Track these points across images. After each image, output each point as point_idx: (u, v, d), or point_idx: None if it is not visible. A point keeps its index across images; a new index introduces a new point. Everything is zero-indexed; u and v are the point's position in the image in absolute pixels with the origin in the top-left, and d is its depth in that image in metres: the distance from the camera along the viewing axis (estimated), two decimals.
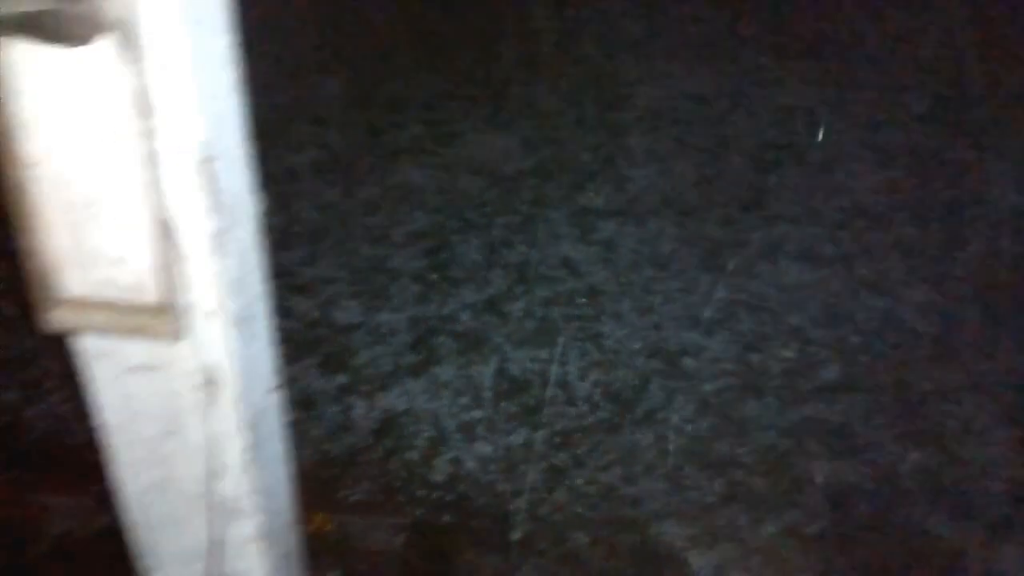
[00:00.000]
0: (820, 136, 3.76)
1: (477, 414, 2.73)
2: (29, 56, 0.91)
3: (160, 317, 1.04)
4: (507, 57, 4.47)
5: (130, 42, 0.88)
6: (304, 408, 2.67)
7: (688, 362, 2.91)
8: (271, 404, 1.26)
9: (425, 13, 4.82)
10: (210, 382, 1.12)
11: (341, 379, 2.78)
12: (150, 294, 1.03)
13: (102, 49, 0.89)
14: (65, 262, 1.02)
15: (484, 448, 2.64)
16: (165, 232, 0.98)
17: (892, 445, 2.61)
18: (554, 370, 2.87)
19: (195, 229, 1.00)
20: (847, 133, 4.06)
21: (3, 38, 0.88)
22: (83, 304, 1.03)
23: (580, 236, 3.42)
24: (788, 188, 3.70)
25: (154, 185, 0.96)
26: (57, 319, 1.04)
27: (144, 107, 0.91)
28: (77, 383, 2.60)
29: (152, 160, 0.94)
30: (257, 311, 1.17)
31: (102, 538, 2.31)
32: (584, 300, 3.12)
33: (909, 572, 2.31)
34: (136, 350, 1.09)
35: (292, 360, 2.82)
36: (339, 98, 4.21)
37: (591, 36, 4.71)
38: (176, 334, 1.05)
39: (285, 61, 4.46)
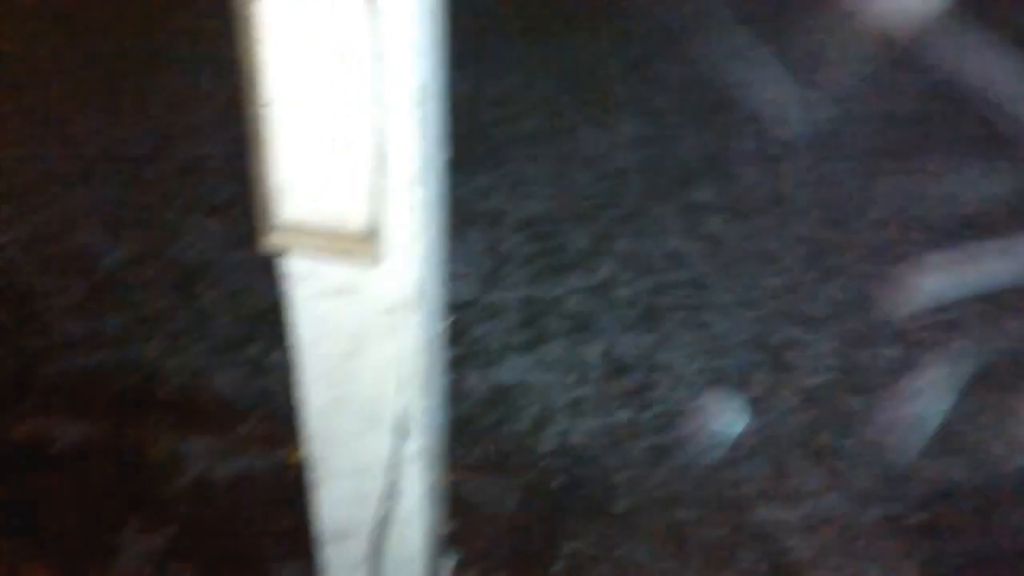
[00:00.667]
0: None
1: (584, 391, 2.84)
2: (275, 4, 1.05)
3: (364, 243, 1.17)
4: (619, 56, 4.58)
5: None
6: None
7: (792, 356, 2.96)
8: (440, 334, 1.39)
9: (539, 12, 4.96)
10: (398, 306, 1.25)
11: (456, 351, 2.92)
12: (357, 221, 1.16)
13: (345, 2, 1.02)
14: (285, 190, 1.16)
15: (590, 423, 2.74)
16: (379, 164, 1.12)
17: (997, 446, 2.63)
18: (659, 354, 2.96)
19: (404, 163, 1.13)
20: (960, 144, 4.05)
21: None
22: (296, 229, 1.17)
23: (686, 230, 3.49)
24: (897, 194, 3.72)
25: (376, 122, 1.09)
26: (273, 241, 1.18)
27: (377, 53, 1.04)
28: (212, 338, 2.77)
29: (377, 100, 1.07)
30: (441, 245, 1.30)
31: (236, 479, 2.48)
32: (690, 291, 3.20)
33: (1010, 569, 2.33)
34: (336, 273, 1.23)
35: None
36: (456, 92, 4.37)
37: (701, 38, 4.78)
38: (376, 259, 1.18)
39: None
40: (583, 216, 3.53)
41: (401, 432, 1.36)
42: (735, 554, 2.42)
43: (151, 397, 2.71)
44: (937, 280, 3.29)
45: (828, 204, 3.65)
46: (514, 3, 5.12)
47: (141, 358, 2.84)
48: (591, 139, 3.97)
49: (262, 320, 3.03)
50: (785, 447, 2.68)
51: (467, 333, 3.00)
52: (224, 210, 3.48)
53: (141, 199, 3.50)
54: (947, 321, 3.09)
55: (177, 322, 2.99)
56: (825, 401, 2.82)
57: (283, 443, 2.57)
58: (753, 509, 2.51)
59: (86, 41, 4.27)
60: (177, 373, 2.80)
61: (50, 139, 3.71)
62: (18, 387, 2.69)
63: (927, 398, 2.81)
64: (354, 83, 1.07)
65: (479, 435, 2.63)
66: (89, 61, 4.17)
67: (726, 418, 2.77)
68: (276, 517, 2.38)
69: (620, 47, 4.65)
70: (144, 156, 3.70)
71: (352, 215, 1.16)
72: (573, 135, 3.99)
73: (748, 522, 2.49)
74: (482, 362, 2.88)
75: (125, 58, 4.20)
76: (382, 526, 1.44)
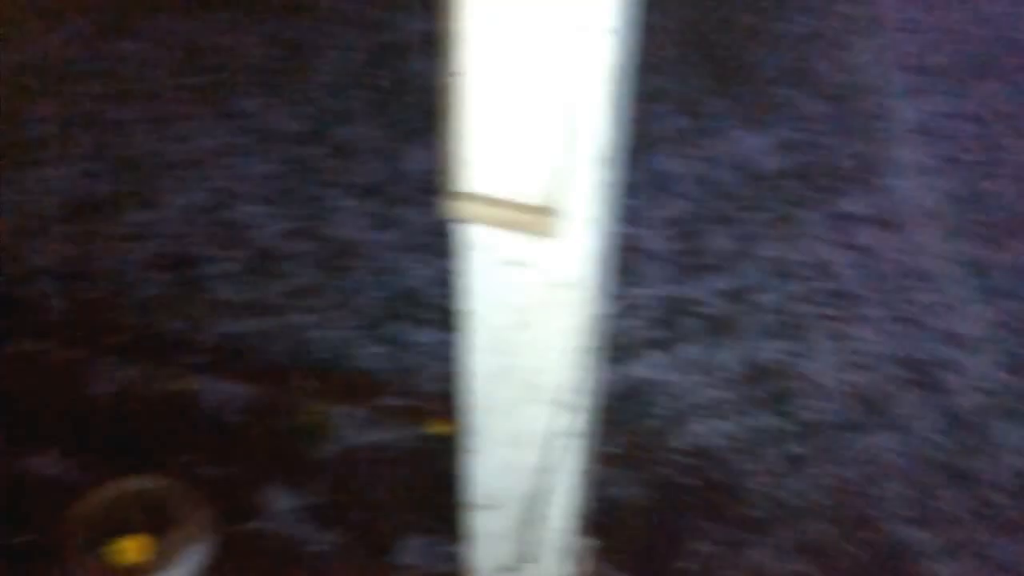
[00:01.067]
0: None
1: (720, 394, 2.81)
2: None
3: (542, 217, 1.20)
4: (773, 59, 4.50)
5: None
6: None
7: (943, 376, 2.86)
8: (602, 315, 1.41)
9: (692, 12, 4.92)
10: (568, 282, 1.28)
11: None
12: (538, 195, 1.20)
13: None
14: (472, 160, 1.20)
15: (725, 426, 2.71)
16: (567, 140, 1.14)
17: None
18: (801, 363, 2.90)
19: (591, 141, 1.16)
20: None
21: None
22: (479, 198, 1.21)
23: (835, 239, 3.41)
24: None
25: (568, 98, 1.12)
26: (456, 209, 1.23)
27: (578, 28, 1.07)
28: (359, 314, 2.86)
29: (573, 76, 1.10)
30: (611, 227, 1.32)
31: (377, 448, 2.57)
32: (836, 302, 3.12)
33: None
34: (512, 245, 1.27)
35: None
36: None
37: (860, 46, 4.64)
38: (553, 234, 1.21)
39: None
40: (728, 218, 3.49)
41: (561, 406, 1.39)
42: (869, 573, 2.36)
43: (301, 365, 2.83)
44: None
45: (987, 221, 3.50)
46: (671, 3, 5.09)
47: (293, 327, 2.97)
48: (740, 141, 3.91)
49: (405, 300, 3.12)
50: (930, 469, 2.59)
51: (605, 327, 3.01)
52: (375, 192, 3.59)
53: (299, 177, 3.65)
54: None
55: (327, 296, 3.11)
56: (975, 425, 2.70)
57: (422, 417, 2.65)
58: (891, 529, 2.44)
59: (261, 26, 4.49)
60: (325, 344, 2.92)
61: (219, 116, 3.92)
62: (177, 349, 2.86)
63: None
64: (551, 58, 1.10)
65: (613, 428, 2.63)
66: (261, 43, 4.38)
67: (867, 433, 2.69)
68: (414, 486, 2.45)
69: (778, 50, 4.57)
70: (303, 136, 3.86)
71: (534, 189, 1.19)
72: (722, 136, 3.94)
73: (885, 541, 2.42)
74: (619, 356, 2.88)
75: (291, 40, 4.39)
76: (535, 498, 1.47)
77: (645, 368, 2.86)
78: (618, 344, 2.92)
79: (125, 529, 1.94)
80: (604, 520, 2.32)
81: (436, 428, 2.55)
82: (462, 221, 1.25)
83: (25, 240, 3.22)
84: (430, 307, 3.10)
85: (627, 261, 3.24)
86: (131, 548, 1.86)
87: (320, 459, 2.52)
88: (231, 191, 3.54)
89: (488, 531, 1.61)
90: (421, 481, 2.47)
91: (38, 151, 3.64)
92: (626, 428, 2.65)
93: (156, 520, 1.98)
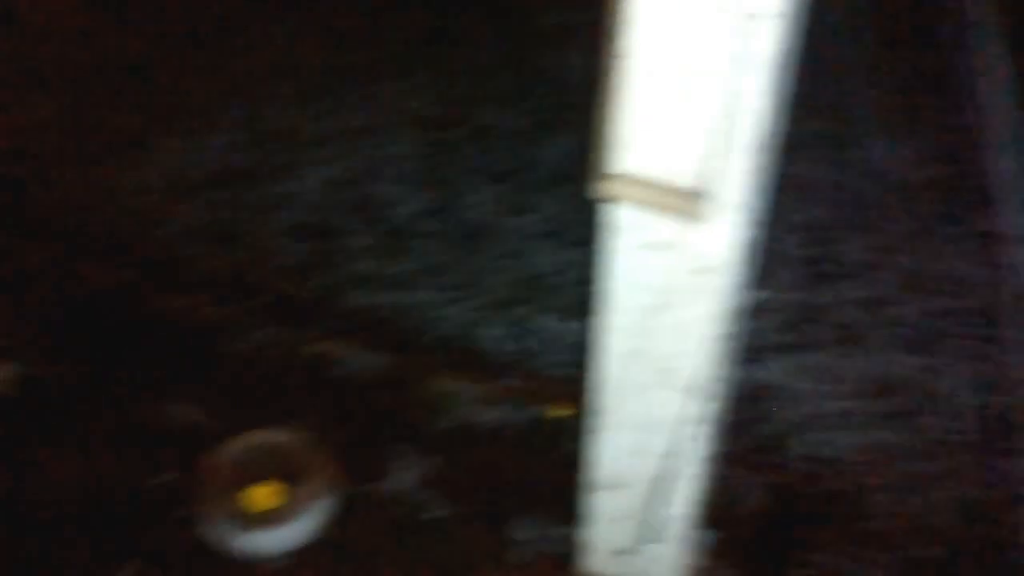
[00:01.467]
0: None
1: (845, 404, 2.75)
2: None
3: (692, 201, 1.21)
4: (923, 67, 4.34)
5: None
6: None
7: None
8: (739, 304, 1.41)
9: (845, 15, 4.79)
10: (711, 268, 1.28)
11: None
12: (688, 178, 1.21)
13: None
14: (626, 141, 1.22)
15: (849, 438, 2.65)
16: (723, 127, 1.15)
17: None
18: (932, 380, 2.80)
19: (746, 129, 1.16)
20: None
21: None
22: (630, 179, 1.23)
23: (977, 256, 3.27)
24: None
25: (728, 85, 1.13)
26: (605, 189, 1.25)
27: (744, 16, 1.08)
28: (485, 295, 2.91)
29: (735, 63, 1.11)
30: (756, 216, 1.33)
31: (496, 426, 2.62)
32: (975, 320, 3.01)
33: None
34: (657, 228, 1.28)
35: None
36: None
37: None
38: (700, 218, 1.22)
39: None
40: (864, 227, 3.40)
41: (693, 393, 1.40)
42: None
43: (427, 339, 2.91)
44: None
45: None
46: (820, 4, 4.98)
47: (421, 304, 3.05)
48: (882, 150, 3.80)
49: (532, 285, 3.16)
50: None
51: (739, 321, 2.97)
52: (507, 177, 3.65)
53: (435, 159, 3.74)
54: None
55: (456, 275, 3.18)
56: None
57: (541, 399, 2.68)
58: (1021, 559, 2.34)
59: (405, 12, 4.61)
60: (451, 322, 2.99)
61: (361, 96, 4.05)
62: (312, 314, 2.98)
63: None
64: (714, 42, 1.11)
65: (733, 429, 2.61)
66: (404, 28, 4.50)
67: (999, 457, 2.58)
68: (531, 466, 2.49)
69: (928, 60, 4.41)
70: (441, 119, 3.95)
71: (686, 173, 1.21)
72: (862, 144, 3.83)
73: (1014, 572, 2.32)
74: (744, 358, 2.85)
75: (434, 27, 4.50)
76: (660, 482, 1.48)
77: (770, 372, 2.82)
78: (745, 345, 2.88)
79: (257, 478, 2.04)
80: (721, 517, 2.30)
81: (556, 411, 2.58)
82: (611, 201, 1.28)
83: (176, 203, 3.41)
84: (555, 294, 3.13)
85: (759, 262, 3.20)
86: (263, 496, 1.96)
87: (442, 431, 2.59)
88: (369, 169, 3.66)
89: (608, 512, 1.63)
90: (539, 461, 2.51)
91: (191, 120, 3.84)
92: (747, 430, 2.62)
93: (286, 471, 2.08)
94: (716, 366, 1.39)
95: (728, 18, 1.10)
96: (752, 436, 2.60)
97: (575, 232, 3.41)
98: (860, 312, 3.04)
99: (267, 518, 1.99)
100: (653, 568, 1.69)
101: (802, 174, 3.65)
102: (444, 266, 3.21)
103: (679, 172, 1.21)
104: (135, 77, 4.11)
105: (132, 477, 2.33)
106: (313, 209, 3.42)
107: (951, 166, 3.73)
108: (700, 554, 1.95)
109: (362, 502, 2.32)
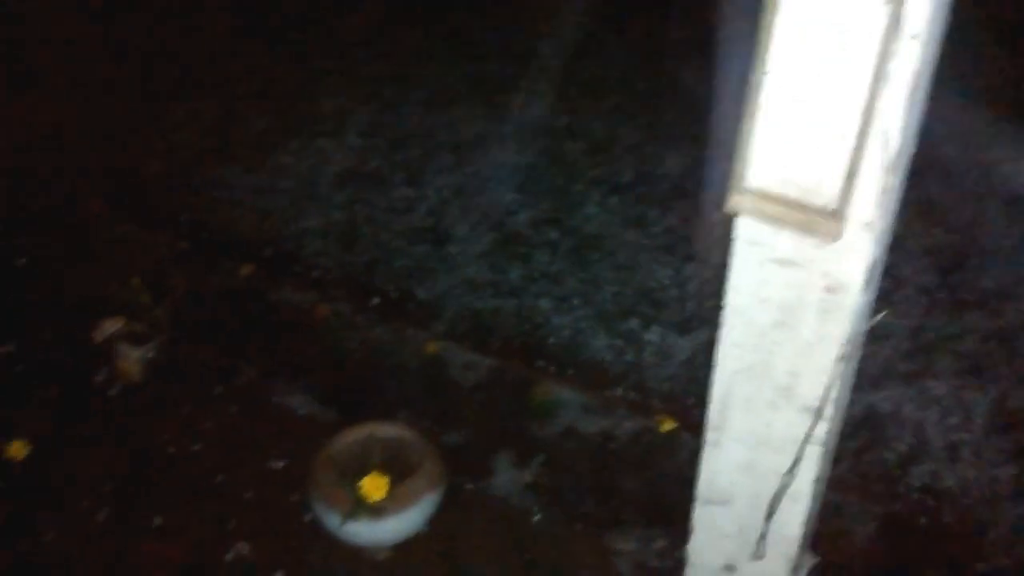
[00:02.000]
0: None
1: (964, 436, 2.66)
2: None
3: (827, 219, 1.21)
4: None
5: None
6: None
7: None
8: (864, 329, 1.39)
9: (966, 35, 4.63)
10: (842, 287, 1.28)
11: None
12: (825, 196, 1.21)
13: None
14: (762, 156, 1.22)
15: (966, 471, 2.56)
16: (861, 145, 1.15)
17: None
18: None
19: (885, 147, 1.15)
20: None
21: None
22: (763, 194, 1.24)
23: None
24: None
25: (868, 104, 1.12)
26: (736, 203, 1.26)
27: (887, 36, 1.08)
28: (596, 305, 2.90)
29: (876, 82, 1.11)
30: (889, 236, 1.31)
31: (601, 435, 2.63)
32: None
33: None
34: (786, 244, 1.28)
35: None
36: None
37: None
38: (835, 237, 1.21)
39: None
40: (995, 254, 3.28)
41: (812, 413, 1.39)
42: None
43: (535, 347, 2.95)
44: None
45: None
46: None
47: (531, 310, 3.09)
48: (1017, 174, 3.66)
49: (643, 298, 3.16)
50: None
51: (857, 349, 2.91)
52: (624, 190, 3.66)
53: (552, 169, 3.78)
54: None
55: (566, 285, 3.21)
56: None
57: (647, 412, 2.69)
58: None
59: (530, 25, 4.69)
60: (560, 330, 3.02)
61: (483, 105, 4.13)
62: (426, 316, 3.05)
63: None
64: (855, 61, 1.11)
65: (845, 454, 2.56)
66: (528, 40, 4.57)
67: None
68: (635, 477, 2.49)
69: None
70: (559, 131, 3.99)
71: (821, 190, 1.21)
72: (996, 168, 3.70)
73: None
74: (861, 382, 2.78)
75: (557, 40, 4.56)
76: (772, 500, 1.48)
77: (888, 399, 2.75)
78: (865, 370, 2.80)
79: (369, 469, 2.11)
80: (829, 542, 2.25)
81: (665, 424, 2.58)
82: (741, 215, 1.28)
83: (301, 204, 3.55)
84: (665, 307, 3.13)
85: (884, 287, 3.12)
86: (374, 487, 2.03)
87: (546, 437, 2.62)
88: (487, 176, 3.73)
89: (714, 527, 1.63)
90: (644, 473, 2.52)
91: (320, 124, 3.99)
92: (863, 457, 2.56)
93: (397, 465, 2.14)
94: (837, 388, 1.38)
95: (870, 36, 1.09)
96: (868, 463, 2.54)
97: (690, 246, 3.40)
98: (985, 343, 2.93)
99: (376, 509, 2.06)
100: None
101: (932, 198, 3.55)
102: (554, 275, 3.24)
103: (814, 189, 1.21)
104: (269, 82, 4.30)
105: (253, 460, 2.44)
106: (430, 214, 3.51)
107: None
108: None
109: (465, 499, 2.37)
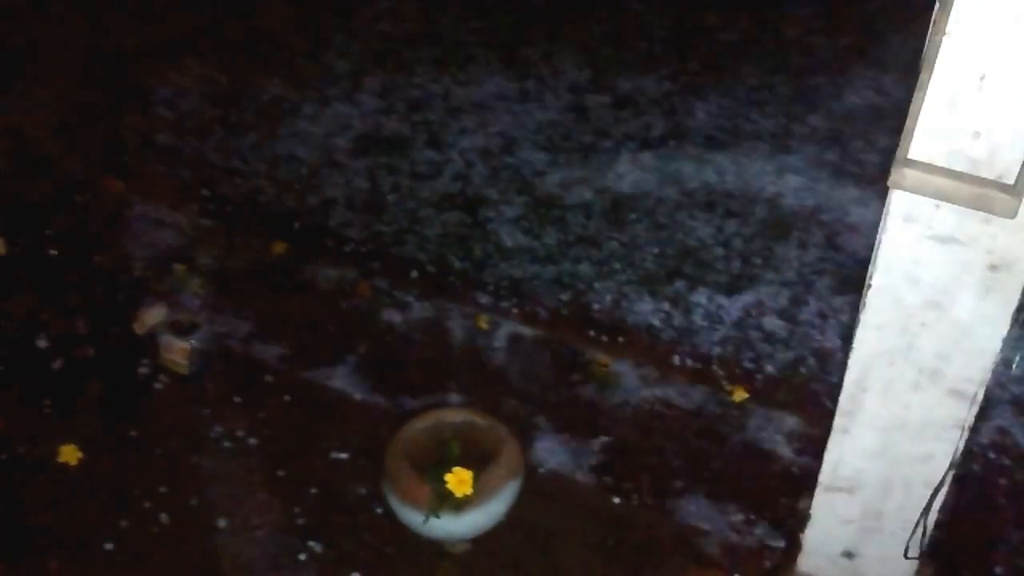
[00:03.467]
0: None
1: None
2: None
3: (998, 194, 1.10)
4: None
5: None
6: None
7: None
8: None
9: None
10: (1006, 266, 1.18)
11: None
12: (995, 169, 1.10)
13: None
14: (926, 125, 1.11)
15: None
16: None
17: None
18: None
19: None
20: None
21: None
22: (929, 167, 1.13)
23: None
24: None
25: None
26: (901, 177, 1.15)
27: None
28: (638, 268, 2.79)
29: None
30: None
31: (664, 406, 2.54)
32: None
33: None
34: (947, 221, 1.18)
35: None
36: None
37: None
38: (1005, 212, 1.11)
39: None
40: None
41: (964, 396, 1.30)
42: None
43: (584, 315, 2.85)
44: None
45: None
46: None
47: (572, 276, 2.98)
48: None
49: (686, 258, 3.06)
50: None
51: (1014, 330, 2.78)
52: (656, 145, 3.54)
53: (578, 126, 3.65)
54: None
55: (606, 248, 3.10)
56: None
57: (709, 381, 2.60)
58: None
59: None
60: (605, 296, 2.92)
61: (501, 61, 3.97)
62: (466, 286, 2.93)
63: None
64: None
65: (987, 447, 2.45)
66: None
67: None
68: (702, 448, 2.40)
69: None
70: (583, 85, 3.85)
71: (995, 162, 1.10)
72: None
73: None
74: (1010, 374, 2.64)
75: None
76: (906, 489, 1.39)
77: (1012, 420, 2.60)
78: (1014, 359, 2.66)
79: (443, 459, 2.01)
80: (952, 536, 2.13)
81: (737, 395, 2.50)
82: (904, 190, 1.18)
83: (322, 172, 3.39)
84: (709, 268, 3.03)
85: None
86: (459, 481, 1.93)
87: (610, 411, 2.52)
88: (512, 136, 3.59)
89: (836, 514, 1.55)
90: (710, 443, 2.43)
91: (333, 87, 3.82)
92: (1004, 450, 2.45)
93: (471, 452, 2.04)
94: (988, 372, 1.29)
95: None
96: (1007, 457, 2.43)
97: (727, 203, 3.29)
98: None
99: (456, 502, 1.96)
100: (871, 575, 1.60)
101: None
102: (593, 237, 3.13)
103: (986, 161, 1.11)
104: (275, 46, 4.11)
105: (315, 451, 2.33)
106: (458, 179, 3.37)
107: None
108: (921, 567, 1.84)
109: (540, 484, 2.27)
